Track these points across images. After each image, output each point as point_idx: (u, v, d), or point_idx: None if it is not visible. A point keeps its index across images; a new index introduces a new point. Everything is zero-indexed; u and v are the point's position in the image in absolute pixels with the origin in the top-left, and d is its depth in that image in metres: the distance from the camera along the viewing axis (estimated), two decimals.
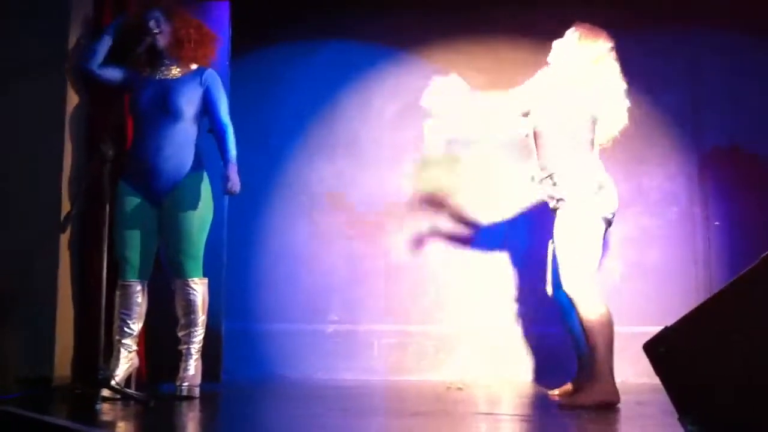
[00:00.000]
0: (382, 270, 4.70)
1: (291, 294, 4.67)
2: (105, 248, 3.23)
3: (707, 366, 2.16)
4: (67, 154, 3.71)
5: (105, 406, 3.12)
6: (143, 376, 3.84)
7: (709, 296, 2.22)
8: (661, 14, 4.66)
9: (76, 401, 3.28)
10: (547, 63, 3.66)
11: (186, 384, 3.48)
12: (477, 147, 4.72)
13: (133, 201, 3.54)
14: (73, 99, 3.76)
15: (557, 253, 3.45)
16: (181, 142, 3.54)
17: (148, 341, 3.86)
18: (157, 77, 3.63)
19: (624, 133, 3.70)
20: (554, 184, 3.45)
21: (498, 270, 4.63)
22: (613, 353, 3.32)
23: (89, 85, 3.77)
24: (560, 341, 3.95)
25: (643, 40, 4.49)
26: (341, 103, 4.88)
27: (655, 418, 3.00)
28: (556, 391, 3.69)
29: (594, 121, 3.52)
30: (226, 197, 3.96)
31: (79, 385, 3.48)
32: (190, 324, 3.53)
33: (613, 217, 3.47)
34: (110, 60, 3.66)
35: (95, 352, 3.20)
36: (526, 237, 4.60)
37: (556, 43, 3.65)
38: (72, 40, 3.76)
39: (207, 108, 3.61)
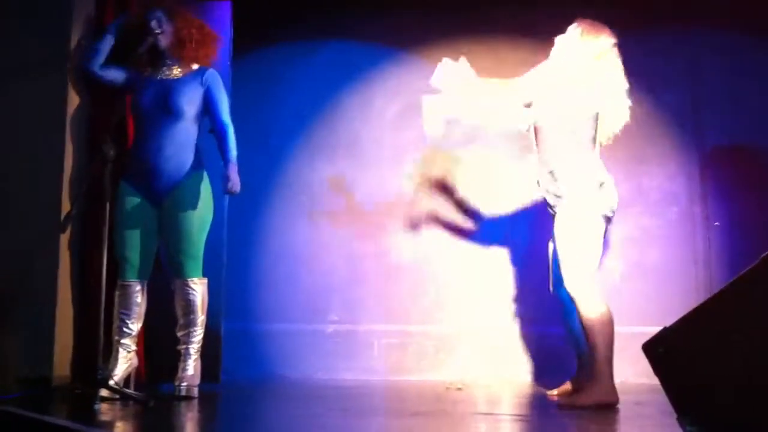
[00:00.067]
0: (382, 270, 4.70)
1: (291, 294, 4.68)
2: (105, 248, 3.24)
3: (706, 366, 2.15)
4: (68, 154, 3.71)
5: (104, 406, 3.12)
6: (142, 376, 3.84)
7: (708, 296, 2.22)
8: (661, 14, 4.66)
9: (75, 401, 3.28)
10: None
11: (185, 384, 3.48)
12: (477, 143, 4.72)
13: (133, 201, 3.54)
14: (74, 99, 3.76)
15: (558, 252, 3.44)
16: (182, 141, 3.54)
17: (147, 341, 3.86)
18: (158, 77, 3.63)
19: (625, 133, 3.70)
20: (555, 180, 3.43)
21: (498, 270, 4.63)
22: (613, 353, 3.31)
23: (90, 85, 3.77)
24: (560, 341, 3.95)
25: (643, 40, 4.49)
26: (342, 103, 4.88)
27: (653, 419, 3.00)
28: (555, 391, 3.69)
29: (595, 118, 3.50)
30: (227, 197, 3.96)
31: (78, 385, 3.48)
32: (190, 324, 3.53)
33: (613, 214, 3.46)
34: (112, 60, 3.66)
35: (94, 352, 3.20)
36: (527, 237, 4.60)
37: (558, 39, 3.63)
38: (73, 40, 3.77)
39: (208, 108, 3.61)
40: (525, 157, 4.54)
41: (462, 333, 4.59)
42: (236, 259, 4.44)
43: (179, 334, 3.55)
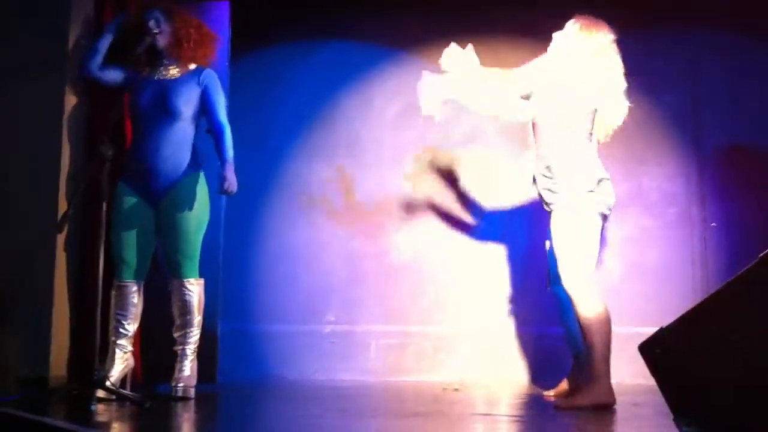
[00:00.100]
0: (381, 270, 4.69)
1: (289, 294, 4.67)
2: (102, 248, 3.23)
3: (703, 367, 2.15)
4: (66, 154, 3.71)
5: (100, 407, 3.11)
6: (139, 376, 3.83)
7: (705, 297, 2.21)
8: (661, 14, 4.65)
9: (71, 402, 3.28)
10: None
11: (181, 385, 3.47)
12: (476, 143, 4.72)
13: (130, 201, 3.53)
14: (72, 99, 3.76)
15: (555, 250, 3.42)
16: (179, 142, 3.53)
17: (144, 342, 3.85)
18: (156, 77, 3.63)
19: (624, 133, 3.69)
20: (551, 177, 3.41)
21: (497, 271, 4.62)
22: (610, 353, 3.30)
23: (88, 85, 3.76)
24: (559, 342, 3.94)
25: (643, 40, 4.48)
26: (341, 103, 4.88)
27: (650, 419, 2.99)
28: (552, 392, 3.69)
29: (593, 114, 3.48)
30: (224, 197, 3.96)
31: (75, 385, 3.47)
32: (186, 325, 3.52)
33: (610, 212, 3.44)
34: (110, 59, 3.66)
35: (91, 352, 3.19)
36: (526, 237, 4.59)
37: (557, 35, 3.61)
38: (72, 41, 3.76)
39: (205, 108, 3.61)
40: (524, 157, 4.55)
41: (461, 333, 4.58)
42: (234, 259, 4.44)
43: (176, 334, 3.54)
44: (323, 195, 4.80)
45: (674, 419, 2.19)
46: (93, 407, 3.02)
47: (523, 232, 4.62)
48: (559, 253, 3.39)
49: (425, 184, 4.76)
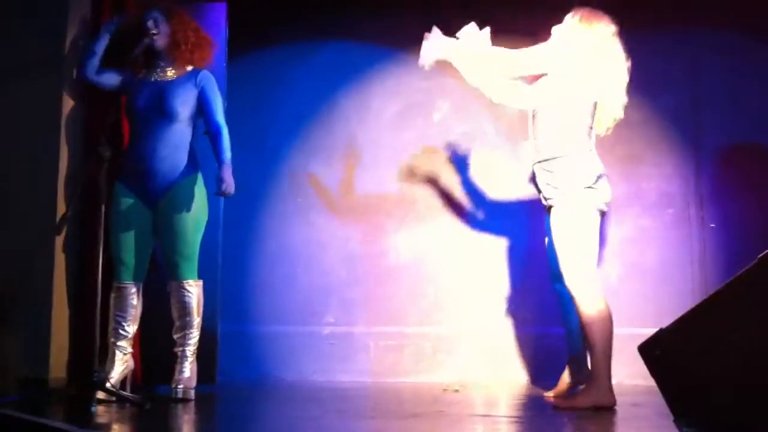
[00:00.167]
0: (380, 271, 4.69)
1: (288, 295, 4.67)
2: (101, 249, 3.23)
3: (703, 367, 2.15)
4: (64, 154, 3.71)
5: (100, 409, 3.12)
6: (138, 378, 3.83)
7: (704, 297, 2.21)
8: (661, 14, 4.64)
9: (71, 403, 3.28)
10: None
11: (181, 386, 3.47)
12: (476, 142, 4.72)
13: (127, 202, 3.53)
14: (69, 99, 3.76)
15: (556, 248, 3.39)
16: (177, 143, 3.53)
17: (143, 343, 3.85)
18: (152, 79, 3.62)
19: (623, 133, 3.68)
20: (550, 172, 3.38)
21: (496, 271, 4.62)
22: (611, 353, 3.29)
23: (85, 86, 3.76)
24: (558, 342, 3.94)
25: (643, 40, 4.47)
26: (340, 103, 4.87)
27: (650, 420, 2.99)
28: (551, 393, 3.68)
29: (594, 108, 3.46)
30: (222, 198, 3.95)
31: (74, 387, 3.47)
32: (186, 326, 3.52)
33: (607, 208, 3.42)
34: (106, 61, 3.65)
35: (91, 354, 3.19)
36: (525, 238, 4.59)
37: (556, 29, 3.58)
38: (69, 41, 3.76)
39: (202, 109, 3.60)
40: (523, 157, 4.55)
41: (460, 334, 4.57)
42: (233, 260, 4.44)
43: (175, 336, 3.54)
44: (322, 196, 4.79)
45: (674, 420, 2.19)
46: (93, 409, 3.02)
47: (522, 232, 4.61)
48: (560, 251, 3.37)
49: (424, 185, 4.75)
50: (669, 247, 4.54)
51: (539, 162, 3.44)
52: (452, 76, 4.75)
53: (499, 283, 4.60)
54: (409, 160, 4.78)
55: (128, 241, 3.51)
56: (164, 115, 3.52)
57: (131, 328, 3.52)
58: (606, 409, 3.21)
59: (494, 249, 4.65)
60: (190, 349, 3.53)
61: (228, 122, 3.65)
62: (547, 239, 3.57)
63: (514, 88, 3.64)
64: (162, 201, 3.51)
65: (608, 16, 3.52)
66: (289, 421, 3.11)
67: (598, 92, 3.46)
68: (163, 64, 3.64)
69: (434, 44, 3.62)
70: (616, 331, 3.31)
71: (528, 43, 3.62)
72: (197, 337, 3.55)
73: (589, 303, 3.29)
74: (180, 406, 3.35)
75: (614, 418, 3.07)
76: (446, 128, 4.77)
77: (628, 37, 3.56)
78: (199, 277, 3.56)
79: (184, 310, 3.52)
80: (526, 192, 4.53)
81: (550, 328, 4.26)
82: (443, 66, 4.72)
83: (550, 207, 3.43)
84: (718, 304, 2.15)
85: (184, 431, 2.95)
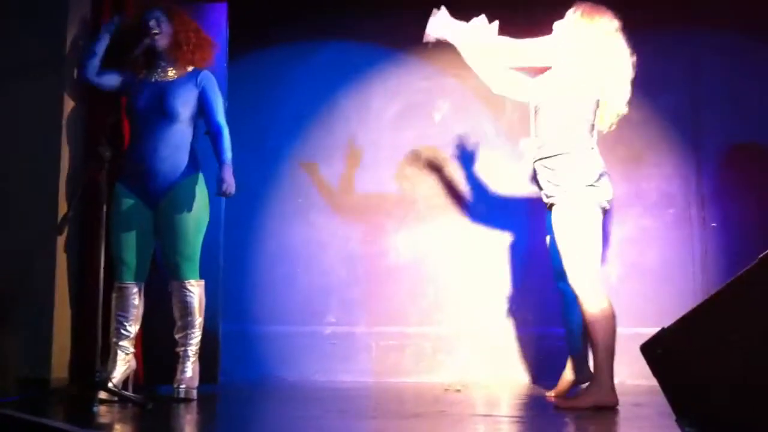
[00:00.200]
0: (380, 271, 4.69)
1: (289, 295, 4.67)
2: (102, 249, 3.23)
3: (704, 367, 2.15)
4: (64, 155, 3.71)
5: (102, 409, 3.12)
6: (140, 378, 3.84)
7: (706, 297, 2.21)
8: (661, 14, 4.64)
9: (73, 403, 3.28)
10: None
11: (183, 386, 3.47)
12: (476, 142, 4.72)
13: (128, 202, 3.53)
14: (69, 100, 3.75)
15: (559, 247, 3.38)
16: (177, 143, 3.53)
17: (145, 343, 3.85)
18: (153, 79, 3.62)
19: (624, 133, 3.68)
20: (552, 169, 3.37)
21: (497, 271, 4.62)
22: (614, 353, 3.28)
23: (86, 86, 3.75)
24: (559, 342, 3.94)
25: (643, 40, 4.46)
26: (340, 104, 4.87)
27: (652, 420, 2.99)
28: (552, 393, 3.69)
29: (596, 106, 3.45)
30: (224, 198, 3.95)
31: (76, 387, 3.47)
32: (187, 326, 3.52)
33: (608, 206, 3.41)
34: (106, 61, 3.65)
35: (92, 354, 3.19)
36: (525, 237, 4.59)
37: (557, 24, 3.56)
38: (70, 41, 3.76)
39: (203, 109, 3.60)
40: (523, 154, 4.56)
41: (461, 334, 4.57)
42: (233, 260, 4.44)
43: (177, 336, 3.54)
44: (322, 195, 4.80)
45: (676, 420, 2.19)
46: (95, 409, 3.03)
47: (522, 231, 4.62)
48: (563, 250, 3.36)
49: (424, 185, 4.76)
50: (670, 247, 4.55)
51: (540, 159, 3.43)
52: (452, 76, 4.79)
53: (500, 282, 4.61)
54: (410, 159, 4.78)
55: (129, 242, 3.51)
56: (165, 115, 3.52)
57: (133, 328, 3.52)
58: (608, 408, 3.21)
59: (494, 249, 4.65)
60: (192, 349, 3.53)
61: (228, 122, 3.65)
62: (548, 238, 3.57)
63: (515, 80, 3.64)
64: (163, 201, 3.51)
65: (611, 11, 3.50)
66: (291, 421, 3.11)
67: (600, 90, 3.45)
68: (163, 64, 3.64)
69: (441, 22, 3.61)
70: (617, 330, 3.31)
71: None
72: (199, 337, 3.55)
73: (592, 301, 3.28)
74: (182, 406, 3.35)
75: (616, 418, 3.07)
76: (446, 128, 4.77)
77: (629, 37, 3.56)
78: (201, 277, 3.56)
79: (186, 310, 3.52)
80: (526, 192, 4.54)
81: (551, 327, 4.26)
82: (443, 66, 4.78)
83: (551, 205, 3.42)
84: (719, 303, 2.15)
85: (186, 431, 2.95)
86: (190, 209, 3.49)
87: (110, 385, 3.22)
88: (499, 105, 4.70)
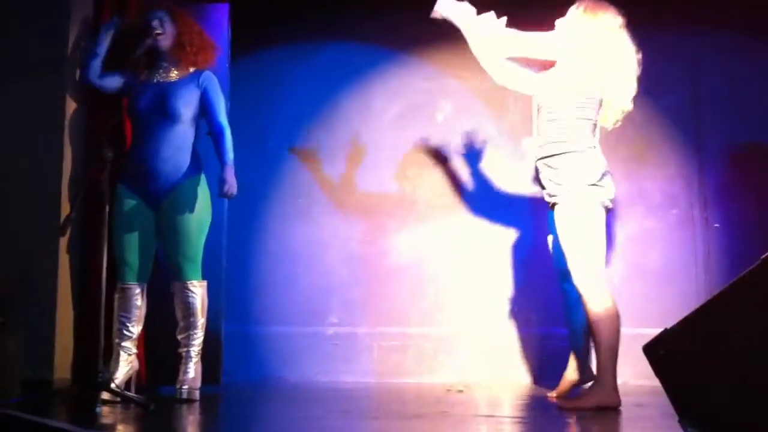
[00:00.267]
0: (381, 272, 4.69)
1: (290, 296, 4.67)
2: (105, 250, 3.24)
3: (707, 368, 2.15)
4: (67, 155, 3.72)
5: (105, 409, 3.12)
6: (143, 379, 3.84)
7: (708, 298, 2.22)
8: (661, 14, 4.64)
9: (75, 404, 3.28)
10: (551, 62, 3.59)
11: (186, 387, 3.48)
12: (476, 142, 4.72)
13: (130, 203, 3.53)
14: (71, 101, 3.76)
15: (563, 247, 3.37)
16: (179, 144, 3.53)
17: (147, 344, 3.85)
18: (155, 80, 3.62)
19: (625, 134, 3.68)
20: (555, 168, 3.36)
21: (498, 271, 4.62)
22: (617, 354, 3.27)
23: (87, 87, 3.75)
24: (561, 342, 3.95)
25: (643, 40, 4.47)
26: (341, 104, 4.87)
27: (654, 420, 2.99)
28: (554, 393, 3.69)
29: (599, 104, 3.44)
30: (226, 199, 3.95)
31: (78, 388, 3.47)
32: (190, 327, 3.52)
33: (611, 205, 3.40)
34: (108, 62, 3.65)
35: (95, 354, 3.19)
36: (527, 237, 4.59)
37: (559, 22, 3.54)
38: (71, 41, 3.76)
39: (205, 110, 3.60)
40: (526, 153, 4.56)
41: (462, 334, 4.58)
42: (235, 261, 4.44)
43: (180, 336, 3.54)
44: (323, 196, 4.80)
45: (679, 420, 2.19)
46: (97, 409, 3.03)
47: (524, 232, 4.62)
48: (566, 249, 3.34)
49: (425, 185, 4.76)
50: (673, 247, 4.55)
51: (543, 158, 3.42)
52: (454, 76, 4.80)
53: (501, 282, 4.61)
54: (411, 159, 4.78)
55: (132, 242, 3.52)
56: (167, 116, 3.52)
57: (135, 329, 3.53)
58: (610, 409, 3.21)
59: (496, 249, 4.65)
60: (195, 350, 3.53)
61: (230, 123, 3.65)
62: (551, 237, 3.56)
63: (518, 72, 3.62)
64: (165, 202, 3.51)
65: (614, 7, 3.49)
66: (293, 421, 3.10)
67: (603, 88, 3.43)
68: (165, 65, 3.64)
69: (450, 2, 3.59)
70: (620, 330, 3.30)
71: None
72: (201, 338, 3.55)
73: (596, 300, 3.27)
74: (184, 406, 3.35)
75: (619, 419, 3.08)
76: (448, 128, 4.77)
77: (630, 36, 3.56)
78: (203, 278, 3.57)
79: (188, 310, 3.52)
80: (528, 192, 4.54)
81: (553, 328, 4.27)
82: (445, 66, 4.78)
83: (553, 204, 3.41)
84: (722, 304, 2.15)
85: None
86: (192, 210, 3.49)
87: (113, 385, 3.22)
88: (501, 105, 4.70)
